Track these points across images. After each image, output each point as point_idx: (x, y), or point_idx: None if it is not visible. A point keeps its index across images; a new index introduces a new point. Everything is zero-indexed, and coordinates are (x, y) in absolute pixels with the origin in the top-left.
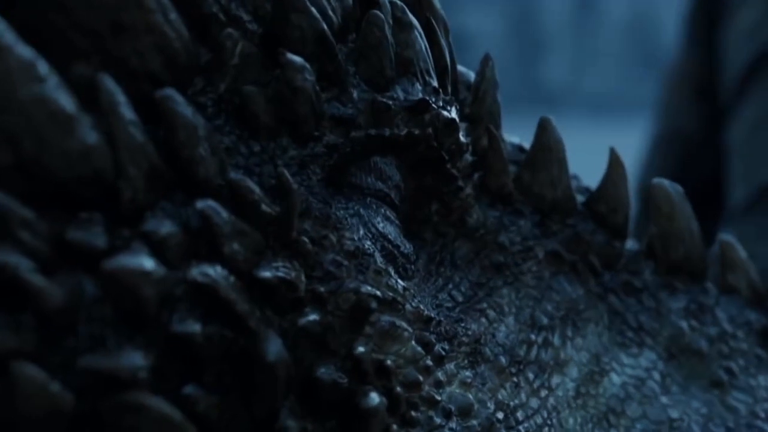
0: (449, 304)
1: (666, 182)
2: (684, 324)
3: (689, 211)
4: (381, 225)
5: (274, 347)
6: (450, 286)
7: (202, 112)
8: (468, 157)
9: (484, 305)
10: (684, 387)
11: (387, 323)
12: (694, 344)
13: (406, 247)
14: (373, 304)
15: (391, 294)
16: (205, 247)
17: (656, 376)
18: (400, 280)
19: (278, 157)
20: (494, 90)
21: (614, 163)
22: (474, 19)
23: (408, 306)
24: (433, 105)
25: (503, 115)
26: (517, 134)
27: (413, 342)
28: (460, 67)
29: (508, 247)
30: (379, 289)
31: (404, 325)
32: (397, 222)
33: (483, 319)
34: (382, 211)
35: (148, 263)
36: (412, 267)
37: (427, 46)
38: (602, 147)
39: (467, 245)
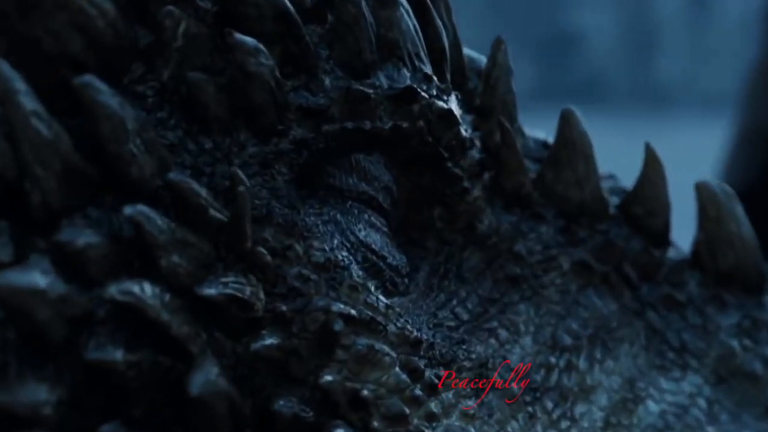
0: (452, 323)
1: (711, 182)
2: (735, 343)
3: (740, 214)
4: (363, 233)
5: (201, 378)
6: (454, 302)
7: (141, 103)
8: (474, 153)
9: (495, 324)
10: (735, 415)
11: (364, 347)
12: (746, 366)
13: (396, 258)
14: (347, 325)
15: (369, 313)
16: (139, 260)
17: (702, 403)
18: (382, 297)
19: (234, 154)
20: (507, 77)
21: (651, 159)
22: (586, 17)
23: (391, 327)
24: (423, 94)
25: (617, 115)
26: (631, 135)
27: (397, 368)
28: (469, 52)
29: (525, 257)
30: (354, 308)
31: (385, 348)
32: (384, 229)
33: (492, 340)
34: (366, 216)
35: (42, 280)
36: (404, 281)
37: (417, 25)
38: (717, 147)
39: (477, 255)
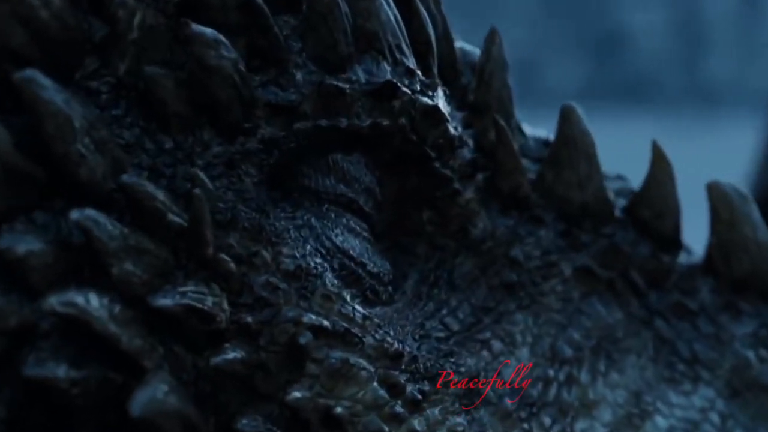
0: (440, 334)
1: (724, 183)
2: (751, 354)
3: (756, 217)
4: (340, 238)
5: (143, 397)
6: (444, 311)
7: (95, 99)
8: (466, 153)
9: (488, 334)
10: (750, 430)
11: (337, 360)
12: (763, 378)
13: (377, 264)
14: (319, 337)
15: (344, 324)
16: (90, 268)
17: (714, 417)
18: (359, 307)
19: (197, 154)
20: (503, 72)
21: (658, 158)
22: (635, 16)
23: (369, 339)
24: (405, 89)
25: (666, 115)
26: (680, 135)
27: (375, 383)
28: (462, 45)
29: (523, 263)
30: (327, 319)
31: (362, 362)
32: (365, 234)
33: (485, 352)
34: (344, 220)
35: None
36: (388, 289)
37: (398, 16)
38: None
39: (471, 261)
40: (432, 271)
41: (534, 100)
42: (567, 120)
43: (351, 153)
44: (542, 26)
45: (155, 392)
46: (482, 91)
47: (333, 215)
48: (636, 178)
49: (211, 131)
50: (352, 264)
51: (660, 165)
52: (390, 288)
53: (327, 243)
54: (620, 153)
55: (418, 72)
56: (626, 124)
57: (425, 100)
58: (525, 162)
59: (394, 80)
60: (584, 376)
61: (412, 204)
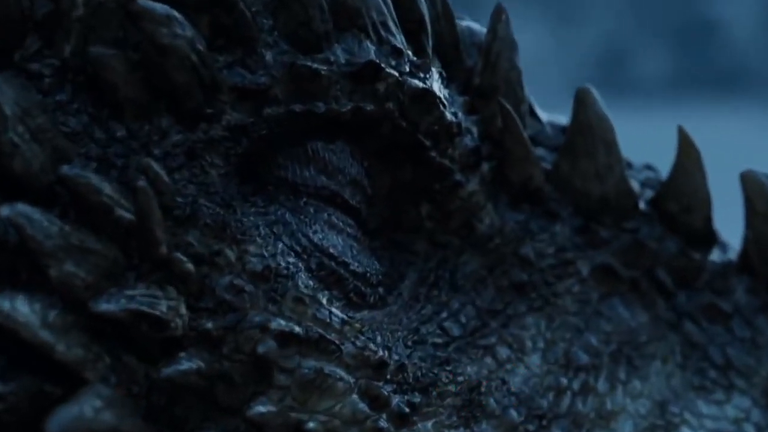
0: (439, 340)
1: (759, 172)
2: None
3: None
4: (319, 235)
5: (66, 414)
6: (443, 315)
7: (36, 84)
8: (467, 141)
9: (493, 340)
10: None
11: (311, 370)
12: None
13: (363, 264)
14: (289, 345)
15: (318, 330)
16: (27, 270)
17: (750, 429)
18: (337, 311)
19: (154, 143)
20: (511, 53)
21: (685, 146)
22: (725, 4)
23: (348, 346)
24: (391, 70)
25: (759, 105)
26: None
27: (354, 395)
28: (467, 23)
29: (535, 262)
30: (299, 324)
31: (338, 372)
32: (350, 230)
33: (488, 359)
34: (325, 216)
35: None
36: (377, 291)
37: None
38: None
39: (477, 260)
40: (432, 270)
41: (622, 90)
42: (582, 104)
43: (333, 141)
44: (629, 16)
45: (82, 409)
46: (488, 73)
47: (312, 210)
48: (723, 170)
49: (169, 118)
50: (333, 263)
51: (687, 153)
52: (381, 289)
53: (303, 240)
54: (709, 144)
55: (408, 52)
56: (716, 114)
57: (415, 82)
58: (541, 151)
59: (377, 60)
60: (602, 385)
61: (409, 198)
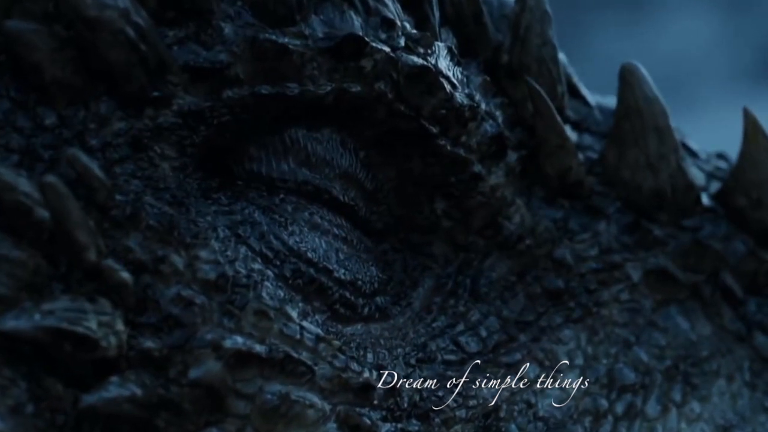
0: (451, 357)
1: None
2: None
3: None
4: (296, 237)
5: None
6: (459, 327)
7: None
8: (487, 127)
9: (519, 356)
10: None
11: (275, 396)
12: None
13: (353, 270)
14: (248, 366)
15: (285, 348)
16: None
17: None
18: (311, 326)
19: (91, 132)
20: (543, 25)
21: (752, 132)
22: None
23: (323, 367)
24: (379, 45)
25: None
26: None
27: (331, 424)
28: None
29: (573, 266)
30: (262, 342)
31: (310, 397)
32: (338, 231)
33: (509, 379)
34: (306, 215)
35: None
36: (372, 301)
37: None
38: None
39: (504, 264)
40: (451, 276)
41: None
42: (628, 83)
43: (317, 129)
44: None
45: None
46: (517, 49)
47: (290, 208)
48: None
49: (110, 103)
50: (312, 270)
51: (755, 141)
52: (380, 299)
53: (275, 244)
54: None
55: (404, 24)
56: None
57: (412, 58)
58: (587, 138)
59: (360, 33)
60: (651, 408)
61: (422, 193)
